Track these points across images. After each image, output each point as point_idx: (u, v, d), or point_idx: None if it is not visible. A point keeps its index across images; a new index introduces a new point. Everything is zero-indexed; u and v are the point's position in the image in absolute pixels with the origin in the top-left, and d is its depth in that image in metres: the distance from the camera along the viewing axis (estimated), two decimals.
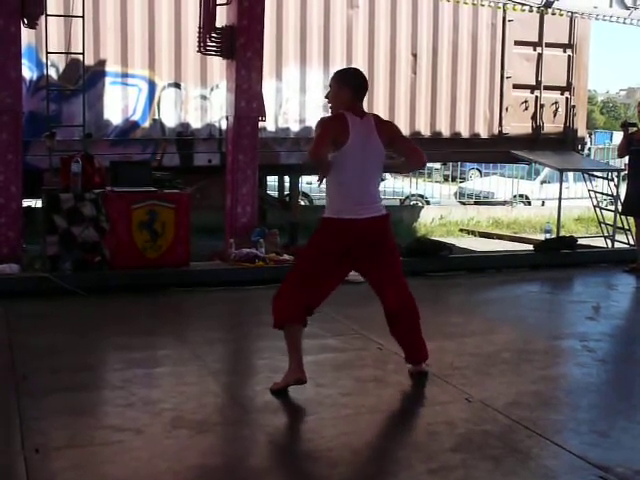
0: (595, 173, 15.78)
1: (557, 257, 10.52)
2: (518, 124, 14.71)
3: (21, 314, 7.16)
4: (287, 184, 15.08)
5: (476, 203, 21.51)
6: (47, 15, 9.34)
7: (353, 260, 5.18)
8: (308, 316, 5.18)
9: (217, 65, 11.58)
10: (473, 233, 17.62)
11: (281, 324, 5.15)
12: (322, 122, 5.18)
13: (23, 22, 8.82)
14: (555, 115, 15.03)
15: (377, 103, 13.27)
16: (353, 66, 5.76)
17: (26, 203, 10.13)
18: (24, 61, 9.69)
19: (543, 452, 4.27)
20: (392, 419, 4.92)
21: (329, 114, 5.33)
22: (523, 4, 14.00)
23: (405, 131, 13.71)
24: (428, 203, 21.14)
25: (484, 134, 14.53)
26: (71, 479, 3.87)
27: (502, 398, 5.10)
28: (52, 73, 10.93)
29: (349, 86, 5.21)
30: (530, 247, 11.97)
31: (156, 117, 12.16)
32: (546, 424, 4.68)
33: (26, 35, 9.67)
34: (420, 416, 5.01)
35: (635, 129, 10.10)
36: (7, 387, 5.19)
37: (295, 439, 4.48)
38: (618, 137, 22.28)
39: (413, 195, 21.43)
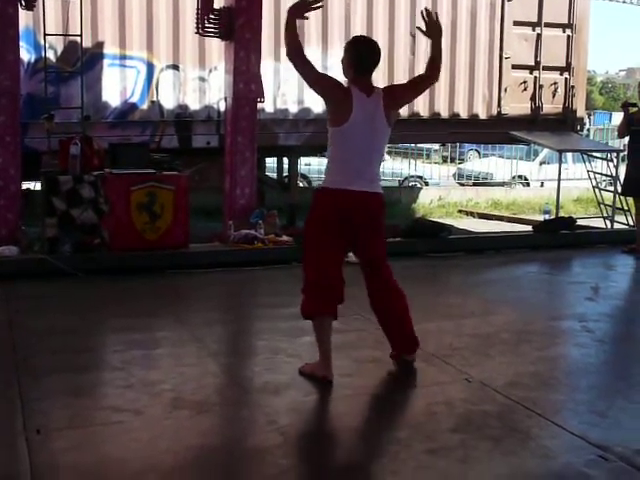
0: (594, 154, 15.74)
1: (556, 238, 10.53)
2: (517, 105, 14.67)
3: (20, 296, 7.17)
4: (286, 165, 15.07)
5: (475, 184, 21.48)
6: None
7: (347, 230, 5.01)
8: (339, 304, 5.06)
9: (215, 47, 11.54)
10: (472, 214, 17.61)
11: (311, 314, 5.06)
12: (330, 77, 5.14)
13: (21, 4, 8.81)
14: (554, 96, 14.99)
15: (376, 84, 13.21)
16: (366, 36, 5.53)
17: (25, 185, 10.12)
18: (22, 43, 9.66)
19: (542, 432, 4.28)
20: (391, 400, 4.93)
21: None
22: None
23: (403, 112, 13.68)
24: (427, 184, 21.10)
25: (483, 115, 14.49)
26: (72, 459, 3.89)
27: (501, 378, 5.11)
28: (50, 55, 10.89)
29: (346, 55, 5.09)
30: (529, 228, 11.97)
31: (154, 99, 12.12)
32: (545, 404, 4.70)
33: (24, 17, 9.65)
34: (419, 397, 5.02)
35: (635, 109, 10.09)
36: (8, 368, 5.21)
37: (294, 420, 4.49)
38: (617, 118, 22.23)
39: (412, 176, 21.39)
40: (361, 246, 5.16)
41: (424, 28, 5.25)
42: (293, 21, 5.09)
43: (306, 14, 5.14)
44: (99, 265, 8.14)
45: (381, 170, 5.32)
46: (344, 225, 4.98)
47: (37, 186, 10.38)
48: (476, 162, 24.75)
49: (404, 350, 5.33)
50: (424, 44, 13.65)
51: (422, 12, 5.27)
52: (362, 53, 5.07)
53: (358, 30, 13.14)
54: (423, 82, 5.39)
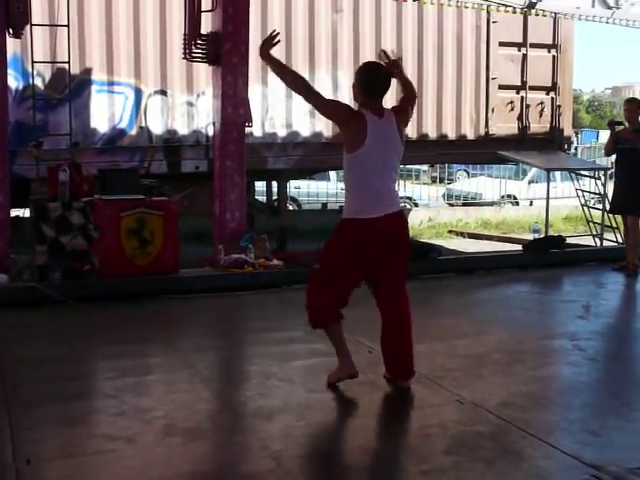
0: (582, 172, 15.82)
1: (546, 257, 10.54)
2: (504, 125, 14.74)
3: (10, 324, 7.12)
4: (275, 189, 15.07)
5: (464, 204, 21.55)
6: (32, 25, 9.31)
7: (368, 259, 5.12)
8: (341, 308, 5.22)
9: (203, 72, 11.56)
10: (462, 234, 17.65)
11: (318, 326, 5.25)
12: (343, 104, 5.24)
13: (8, 32, 8.81)
14: (541, 115, 15.07)
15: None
16: (371, 62, 5.64)
17: (14, 213, 10.09)
18: (10, 71, 9.68)
19: (536, 452, 4.28)
20: (384, 422, 4.92)
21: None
22: (507, 5, 14.05)
23: None
24: (416, 205, 21.16)
25: (471, 135, 14.55)
26: None
27: (494, 399, 5.11)
28: (38, 82, 10.89)
29: (357, 80, 5.22)
30: (519, 247, 12.00)
31: (143, 124, 12.14)
32: (538, 424, 4.69)
33: (12, 45, 9.64)
34: (412, 419, 5.02)
35: (621, 127, 10.14)
36: None
37: (288, 445, 4.47)
38: (604, 136, 22.35)
39: (401, 197, 21.39)
40: (384, 270, 5.22)
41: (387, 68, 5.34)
42: (270, 60, 5.19)
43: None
44: (89, 292, 8.10)
45: None
46: (367, 254, 5.09)
47: (26, 213, 10.36)
48: (465, 182, 24.85)
49: (399, 376, 5.38)
50: (410, 66, 13.78)
51: (380, 54, 5.40)
52: (373, 79, 5.19)
53: (345, 53, 13.26)
54: (408, 100, 5.48)
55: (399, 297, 5.32)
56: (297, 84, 5.24)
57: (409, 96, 5.47)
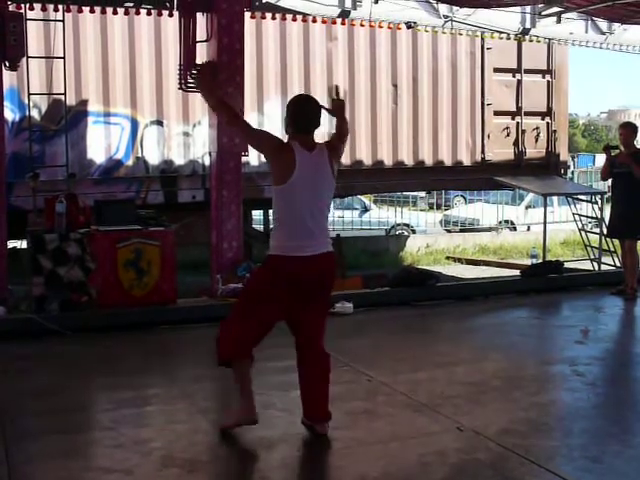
0: (579, 197, 15.85)
1: (544, 282, 10.52)
2: (500, 150, 14.82)
3: (8, 356, 7.10)
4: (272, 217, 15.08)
5: (462, 230, 21.54)
6: (28, 57, 9.35)
7: (290, 296, 4.87)
8: (253, 346, 4.96)
9: (199, 102, 11.60)
10: (460, 260, 17.64)
11: (225, 360, 4.98)
12: (271, 136, 5.08)
13: (5, 65, 8.84)
14: (537, 140, 15.15)
15: (359, 134, 13.35)
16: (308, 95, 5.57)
17: (11, 244, 10.09)
18: (6, 103, 9.71)
19: (536, 479, 4.25)
20: (383, 451, 4.88)
21: None
22: (501, 32, 14.15)
23: (388, 161, 13.84)
24: (414, 232, 21.15)
25: (467, 161, 14.61)
26: None
27: (494, 426, 5.09)
28: (34, 114, 10.93)
29: (288, 114, 5.05)
30: (517, 272, 11.98)
31: (139, 155, 12.18)
32: (539, 451, 4.67)
33: (8, 77, 9.68)
34: (411, 447, 4.97)
35: (617, 152, 10.16)
36: None
37: (287, 475, 4.45)
38: (601, 160, 22.38)
39: (398, 224, 21.43)
40: (304, 308, 4.95)
41: (331, 107, 5.26)
42: (212, 94, 5.28)
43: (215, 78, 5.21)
44: (87, 323, 8.07)
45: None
46: (286, 292, 4.85)
47: (23, 245, 10.36)
48: (462, 208, 24.86)
49: (314, 420, 5.06)
50: (405, 93, 13.85)
51: (333, 88, 5.37)
52: (302, 112, 5.01)
53: (340, 81, 13.26)
54: (339, 138, 5.26)
55: (318, 340, 5.05)
56: (234, 118, 5.26)
57: (341, 134, 5.27)
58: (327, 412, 5.03)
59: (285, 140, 5.00)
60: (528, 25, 14.85)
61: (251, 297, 5.02)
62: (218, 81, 5.15)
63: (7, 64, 8.91)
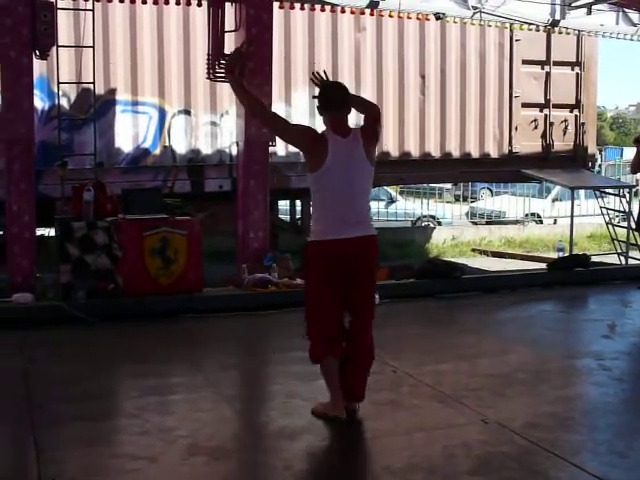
0: (607, 190, 15.74)
1: (570, 275, 10.47)
2: (528, 143, 14.73)
3: (35, 343, 7.17)
4: (298, 208, 15.09)
5: (488, 223, 21.44)
6: (58, 46, 9.39)
7: (337, 278, 5.00)
8: (339, 341, 5.11)
9: (226, 91, 11.59)
10: (485, 253, 17.55)
11: (316, 360, 5.12)
12: (303, 129, 5.23)
13: (35, 54, 8.90)
14: (565, 133, 15.05)
15: (387, 125, 13.29)
16: (337, 83, 5.75)
17: (39, 232, 10.15)
18: (36, 92, 9.76)
19: (561, 474, 4.24)
20: (408, 442, 4.88)
21: None
22: (530, 23, 14.04)
23: (415, 152, 13.79)
24: (440, 224, 21.08)
25: (494, 154, 14.54)
26: None
27: (519, 419, 5.07)
28: (64, 103, 10.99)
29: (319, 102, 5.20)
30: (543, 266, 11.92)
31: (167, 144, 12.22)
32: (564, 445, 4.65)
33: (38, 66, 9.74)
34: (436, 439, 4.96)
35: None
36: (23, 417, 5.19)
37: (311, 464, 4.46)
38: (629, 153, 22.25)
39: (424, 216, 21.36)
40: (353, 291, 5.09)
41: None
42: (237, 82, 5.32)
43: (243, 67, 5.26)
44: (113, 311, 8.13)
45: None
46: (339, 273, 4.98)
47: (51, 232, 10.42)
48: (489, 200, 24.74)
49: (351, 399, 5.21)
50: (433, 84, 13.79)
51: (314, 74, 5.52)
52: (329, 98, 5.16)
53: (368, 72, 13.28)
54: (370, 117, 5.36)
55: (368, 327, 5.19)
56: (255, 108, 5.36)
57: (369, 112, 5.39)
58: (363, 394, 5.19)
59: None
60: (557, 16, 14.69)
61: (311, 294, 5.15)
62: (246, 70, 5.16)
63: (37, 53, 8.98)
